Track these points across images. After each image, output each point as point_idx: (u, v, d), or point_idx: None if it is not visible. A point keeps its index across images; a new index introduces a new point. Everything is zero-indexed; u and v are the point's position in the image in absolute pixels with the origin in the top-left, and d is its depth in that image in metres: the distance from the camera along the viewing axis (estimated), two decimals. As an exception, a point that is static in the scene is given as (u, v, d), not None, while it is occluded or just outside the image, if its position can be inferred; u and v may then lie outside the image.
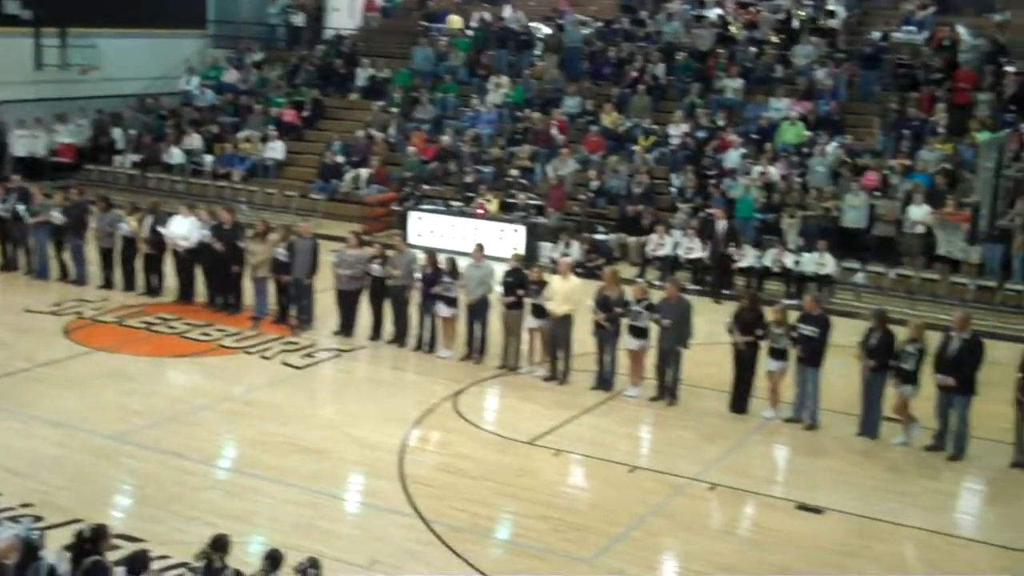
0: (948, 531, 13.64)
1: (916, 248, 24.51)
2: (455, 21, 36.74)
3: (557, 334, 18.09)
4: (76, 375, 17.71)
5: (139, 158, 33.14)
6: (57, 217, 22.74)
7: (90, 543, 9.57)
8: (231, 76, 36.76)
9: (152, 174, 32.50)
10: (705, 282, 24.41)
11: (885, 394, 16.34)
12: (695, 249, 24.83)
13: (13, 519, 11.93)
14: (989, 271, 23.73)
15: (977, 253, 23.54)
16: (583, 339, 18.10)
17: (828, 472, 15.30)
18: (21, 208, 22.87)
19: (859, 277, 23.98)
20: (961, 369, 15.54)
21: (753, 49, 31.82)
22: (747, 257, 24.08)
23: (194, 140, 32.98)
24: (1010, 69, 28.56)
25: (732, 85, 30.73)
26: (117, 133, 34.18)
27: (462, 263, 19.36)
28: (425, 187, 29.31)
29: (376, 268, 19.41)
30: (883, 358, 16.12)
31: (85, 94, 34.61)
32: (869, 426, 16.52)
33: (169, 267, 21.98)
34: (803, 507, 14.06)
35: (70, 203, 23.05)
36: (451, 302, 18.93)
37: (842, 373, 17.60)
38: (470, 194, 28.25)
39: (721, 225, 24.33)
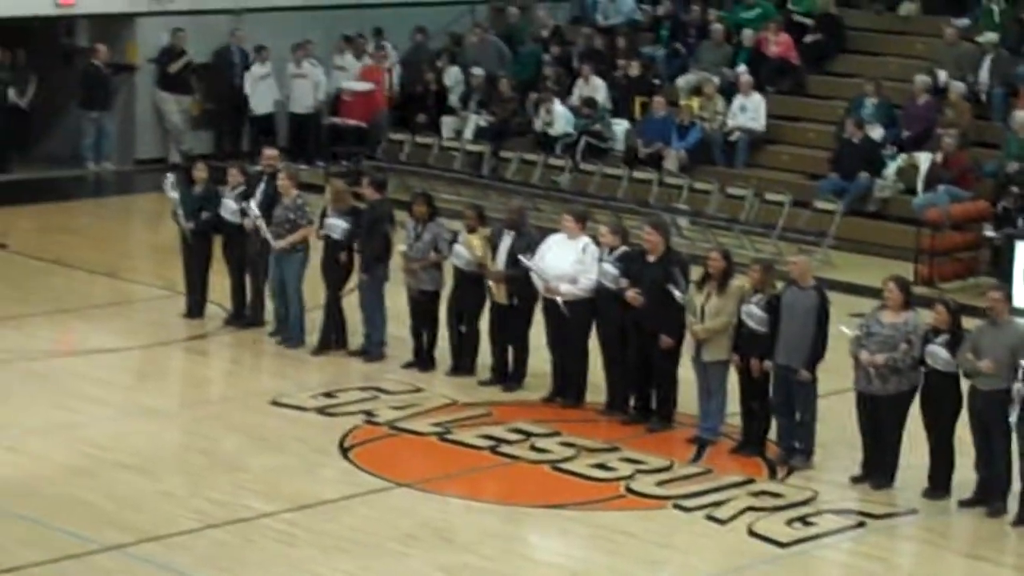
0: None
1: None
2: None
3: None
4: (359, 528, 12.26)
5: (490, 121, 22.35)
6: (338, 227, 15.02)
7: None
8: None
9: (511, 152, 21.81)
10: None
11: None
12: None
13: None
14: None
15: None
16: None
17: None
18: (255, 212, 15.23)
19: None
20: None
21: None
22: None
23: (593, 89, 22.10)
24: None
25: None
26: (451, 74, 23.29)
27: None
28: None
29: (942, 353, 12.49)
30: None
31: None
32: None
33: (539, 333, 14.72)
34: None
35: (366, 204, 15.23)
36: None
37: None
38: None
39: None
